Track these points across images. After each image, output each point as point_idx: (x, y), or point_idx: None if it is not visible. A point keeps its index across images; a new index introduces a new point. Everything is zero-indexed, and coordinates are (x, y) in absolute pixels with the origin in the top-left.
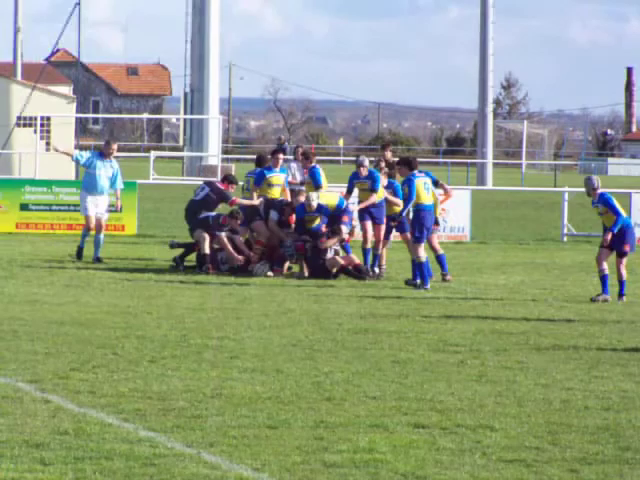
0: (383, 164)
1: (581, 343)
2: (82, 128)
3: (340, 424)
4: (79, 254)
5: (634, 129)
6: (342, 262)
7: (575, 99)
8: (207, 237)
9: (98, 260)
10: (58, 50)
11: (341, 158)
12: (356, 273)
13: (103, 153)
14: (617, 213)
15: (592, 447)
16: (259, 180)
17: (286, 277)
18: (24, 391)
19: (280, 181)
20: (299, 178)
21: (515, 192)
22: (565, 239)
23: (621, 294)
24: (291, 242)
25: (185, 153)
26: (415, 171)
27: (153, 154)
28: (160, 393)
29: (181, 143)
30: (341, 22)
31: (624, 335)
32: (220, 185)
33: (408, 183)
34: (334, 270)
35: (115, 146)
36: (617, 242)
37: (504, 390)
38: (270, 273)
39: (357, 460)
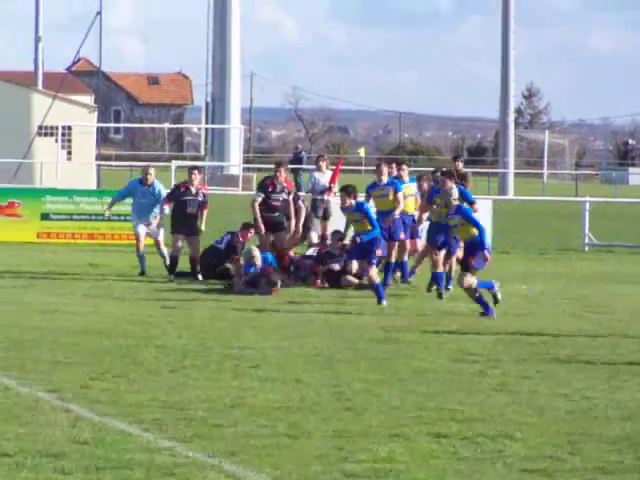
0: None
1: (601, 353)
2: (103, 137)
3: (360, 434)
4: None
5: None
6: (356, 281)
7: (596, 109)
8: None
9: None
10: (79, 59)
11: (362, 167)
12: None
13: (142, 180)
14: (476, 223)
15: (612, 457)
16: (369, 190)
17: (304, 287)
18: (44, 400)
19: (412, 191)
20: (319, 188)
21: (536, 202)
22: (586, 249)
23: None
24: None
25: (207, 163)
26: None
27: (174, 164)
28: (180, 402)
29: (202, 153)
30: (360, 31)
31: None
32: (239, 235)
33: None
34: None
35: (151, 171)
36: (466, 255)
37: (524, 400)
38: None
39: (377, 470)
